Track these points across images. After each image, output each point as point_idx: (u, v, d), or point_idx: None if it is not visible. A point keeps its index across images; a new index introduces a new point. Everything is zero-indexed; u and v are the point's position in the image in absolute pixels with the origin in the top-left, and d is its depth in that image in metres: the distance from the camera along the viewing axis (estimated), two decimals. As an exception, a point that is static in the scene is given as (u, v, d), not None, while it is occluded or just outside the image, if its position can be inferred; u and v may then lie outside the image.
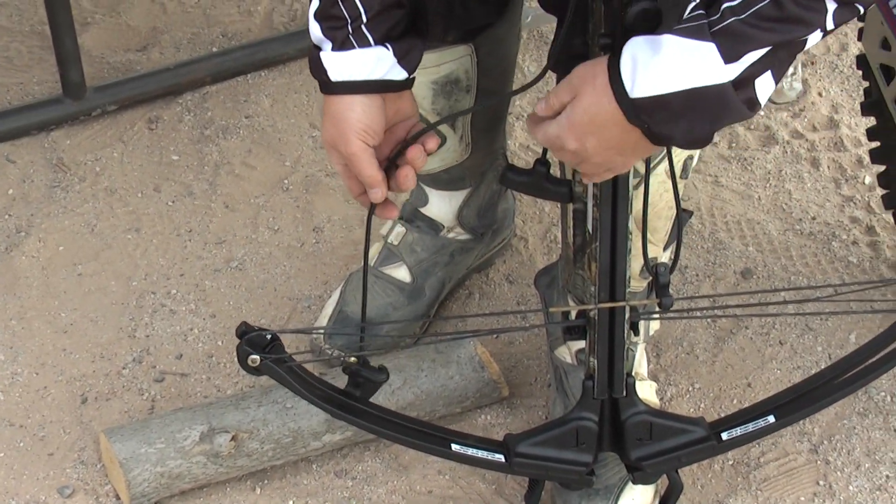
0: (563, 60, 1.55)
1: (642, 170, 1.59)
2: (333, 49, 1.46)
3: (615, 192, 1.52)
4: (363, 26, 1.46)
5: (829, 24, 1.31)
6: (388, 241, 1.99)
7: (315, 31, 1.47)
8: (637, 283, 1.76)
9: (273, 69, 2.41)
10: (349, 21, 1.46)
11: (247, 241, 2.15)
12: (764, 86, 1.33)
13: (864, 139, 2.21)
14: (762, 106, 1.34)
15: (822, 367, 1.97)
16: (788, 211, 2.21)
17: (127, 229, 2.16)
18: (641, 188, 1.59)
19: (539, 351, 2.00)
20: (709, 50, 1.29)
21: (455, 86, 1.79)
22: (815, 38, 1.32)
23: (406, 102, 1.52)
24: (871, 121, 2.05)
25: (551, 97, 1.41)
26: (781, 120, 2.35)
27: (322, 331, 1.94)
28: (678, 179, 1.68)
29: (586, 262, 1.61)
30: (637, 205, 1.59)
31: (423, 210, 1.97)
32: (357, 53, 1.46)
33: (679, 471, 1.73)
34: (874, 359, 1.68)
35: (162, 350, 2.00)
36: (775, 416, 1.68)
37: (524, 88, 1.48)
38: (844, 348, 2.00)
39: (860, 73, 2.03)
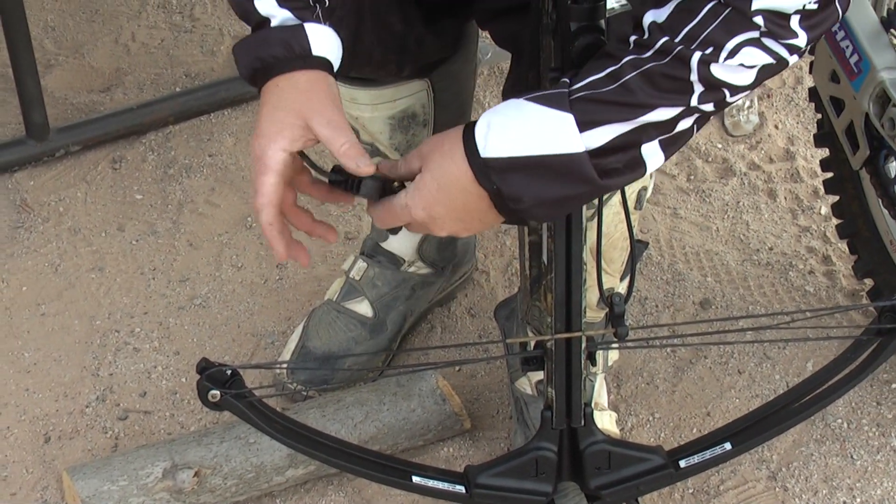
0: (516, 94, 1.58)
1: (596, 201, 1.61)
2: (308, 21, 1.34)
3: (569, 224, 1.54)
4: (322, 12, 1.38)
5: (700, 105, 1.30)
6: (350, 275, 2.00)
7: (281, 15, 1.34)
8: (594, 313, 1.78)
9: (236, 108, 2.43)
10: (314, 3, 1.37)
11: (210, 278, 2.16)
12: (651, 152, 1.32)
13: (819, 170, 2.24)
14: (648, 170, 1.33)
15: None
16: (746, 241, 2.24)
17: (90, 269, 2.17)
18: (596, 219, 1.62)
19: (501, 383, 2.01)
20: (565, 119, 1.29)
21: (412, 120, 1.82)
22: (685, 121, 1.31)
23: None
24: (825, 152, 2.08)
25: (399, 163, 1.36)
26: (738, 152, 2.39)
27: (285, 365, 1.95)
28: (633, 210, 1.71)
29: (542, 294, 1.63)
30: (592, 236, 1.62)
31: (383, 245, 1.99)
32: (331, 31, 1.36)
33: (639, 499, 1.75)
34: (828, 384, 1.71)
35: (125, 388, 2.00)
36: (732, 444, 1.69)
37: None
38: (802, 376, 2.03)
39: (813, 105, 2.06)
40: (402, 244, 1.98)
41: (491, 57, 2.48)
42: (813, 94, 2.02)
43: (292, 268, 2.18)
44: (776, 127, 2.44)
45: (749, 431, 1.69)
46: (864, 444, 1.95)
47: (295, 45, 1.34)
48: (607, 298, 1.58)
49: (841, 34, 1.85)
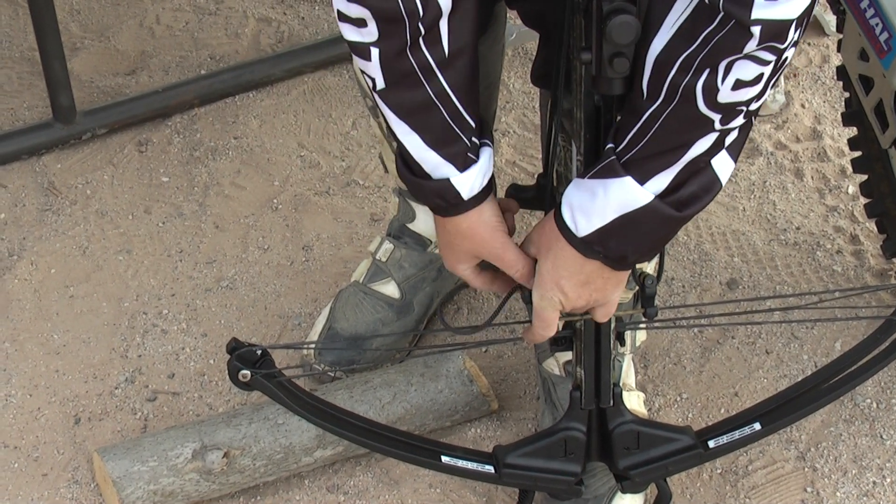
0: (545, 76, 1.58)
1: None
2: (459, 170, 1.48)
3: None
4: (474, 137, 1.49)
5: (728, 126, 1.39)
6: (377, 257, 2.01)
7: (431, 160, 1.47)
8: (622, 293, 1.78)
9: (261, 90, 2.43)
10: (463, 137, 1.47)
11: (237, 260, 2.17)
12: (719, 167, 1.44)
13: (846, 149, 2.23)
14: (723, 182, 1.45)
15: (808, 374, 1.98)
16: (773, 221, 2.23)
17: (118, 251, 2.18)
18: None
19: (527, 364, 2.01)
20: (625, 182, 1.42)
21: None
22: (730, 136, 1.42)
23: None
24: (853, 131, 2.07)
25: (509, 262, 1.54)
26: (765, 132, 2.38)
27: (312, 346, 1.96)
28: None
29: (571, 274, 1.63)
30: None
31: (410, 226, 1.99)
32: (478, 165, 1.49)
33: (668, 480, 1.75)
34: (858, 364, 1.70)
35: (154, 369, 2.01)
36: (761, 424, 1.69)
37: None
38: (830, 356, 2.02)
39: (841, 84, 2.05)
40: (428, 225, 1.98)
41: (516, 38, 2.47)
42: (841, 72, 2.00)
43: (318, 250, 2.18)
44: (803, 106, 2.42)
45: (778, 412, 1.69)
46: (893, 424, 1.94)
47: (449, 196, 1.50)
48: (639, 279, 1.58)
49: (871, 11, 1.84)
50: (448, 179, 1.48)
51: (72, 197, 2.26)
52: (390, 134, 1.49)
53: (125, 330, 2.06)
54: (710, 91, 1.34)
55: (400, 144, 1.47)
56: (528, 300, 1.57)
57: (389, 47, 1.39)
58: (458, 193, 1.49)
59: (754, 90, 1.35)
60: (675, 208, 1.43)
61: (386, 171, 1.98)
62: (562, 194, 1.49)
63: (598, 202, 1.44)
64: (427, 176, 1.49)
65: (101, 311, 2.09)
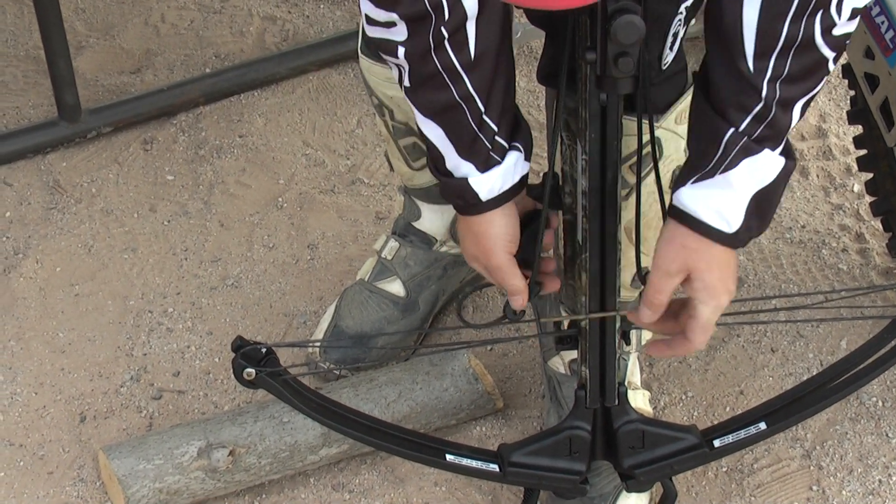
0: (551, 74, 1.58)
1: (632, 180, 1.61)
2: (479, 170, 1.49)
3: (603, 203, 1.54)
4: (497, 137, 1.49)
5: (836, 61, 1.44)
6: (382, 255, 2.01)
7: (453, 158, 1.49)
8: (628, 293, 1.78)
9: (266, 89, 2.43)
10: (484, 139, 1.48)
11: (242, 258, 2.17)
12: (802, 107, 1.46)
13: (852, 147, 2.23)
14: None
15: (814, 373, 1.98)
16: (778, 220, 2.23)
17: (123, 249, 2.18)
18: (631, 199, 1.62)
19: (533, 362, 2.01)
20: (759, 157, 1.43)
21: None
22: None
23: (527, 201, 1.57)
24: (858, 129, 2.07)
25: (649, 291, 1.51)
26: (770, 130, 2.37)
27: (317, 344, 1.96)
28: (668, 190, 1.71)
29: (577, 273, 1.63)
30: (626, 216, 1.61)
31: (415, 224, 1.99)
32: (501, 167, 1.50)
33: (673, 478, 1.75)
34: (864, 364, 1.70)
35: (159, 368, 2.01)
36: (767, 423, 1.69)
37: None
38: (836, 354, 2.02)
39: (846, 82, 2.05)
40: (434, 223, 1.98)
41: (521, 36, 2.47)
42: (846, 70, 2.00)
43: (323, 248, 2.18)
44: (808, 104, 2.42)
45: (784, 411, 1.69)
46: (898, 423, 1.95)
47: (467, 196, 1.51)
48: (645, 279, 1.58)
49: (876, 10, 1.84)
50: (466, 179, 1.49)
51: (77, 195, 2.26)
52: (417, 129, 1.51)
53: (130, 328, 2.06)
54: (828, 28, 1.36)
55: (426, 139, 1.50)
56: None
57: (416, 48, 1.40)
58: (476, 194, 1.50)
59: (854, 23, 1.39)
60: (792, 159, 1.44)
61: (391, 169, 1.98)
62: (568, 193, 1.49)
63: (736, 189, 1.43)
64: (449, 173, 1.50)
65: (106, 309, 2.09)
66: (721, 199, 1.44)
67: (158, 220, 2.22)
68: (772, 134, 1.42)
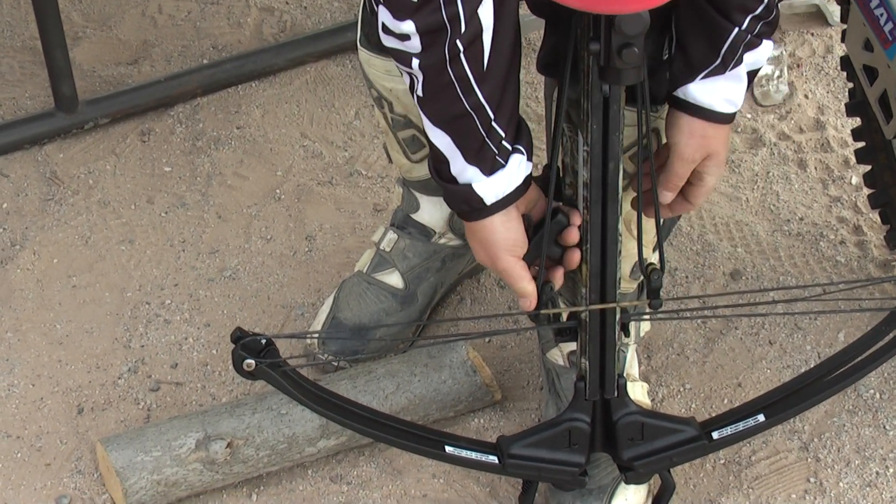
0: (550, 63, 1.58)
1: (632, 170, 1.61)
2: (485, 175, 1.50)
3: (605, 194, 1.54)
4: (504, 142, 1.50)
5: None
6: (380, 247, 2.00)
7: (459, 164, 1.50)
8: (627, 284, 1.78)
9: (263, 80, 2.43)
10: (491, 144, 1.49)
11: (240, 250, 2.16)
12: None
13: (850, 140, 2.23)
14: None
15: (812, 365, 1.99)
16: (776, 212, 2.23)
17: (120, 241, 2.18)
18: (631, 189, 1.62)
19: (531, 354, 2.01)
20: (762, 47, 1.55)
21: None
22: None
23: (533, 191, 1.57)
24: (857, 121, 2.07)
25: (673, 178, 1.59)
26: (768, 122, 2.37)
27: (316, 335, 1.96)
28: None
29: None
30: (626, 206, 1.61)
31: (414, 216, 1.99)
32: (505, 171, 1.51)
33: (671, 470, 1.75)
34: (862, 357, 1.70)
35: (157, 360, 2.01)
36: (765, 415, 1.69)
37: None
38: (833, 347, 2.02)
39: (845, 74, 2.05)
40: (432, 216, 1.98)
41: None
42: (845, 62, 2.00)
43: (321, 240, 2.18)
44: (806, 96, 2.42)
45: (782, 403, 1.69)
46: (896, 415, 1.95)
47: (473, 201, 1.53)
48: (647, 272, 1.58)
49: (875, 1, 1.84)
50: (471, 185, 1.51)
51: (74, 187, 2.25)
52: (424, 136, 1.52)
53: (128, 320, 2.06)
54: None
55: (431, 145, 1.50)
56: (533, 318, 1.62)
57: (431, 59, 1.42)
58: (481, 198, 1.51)
59: None
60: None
61: (390, 161, 1.98)
62: (569, 185, 1.48)
63: (742, 80, 1.55)
64: (453, 179, 1.51)
65: (103, 301, 2.09)
66: (731, 90, 1.56)
67: (156, 212, 2.22)
68: (770, 29, 1.53)
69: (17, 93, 2.41)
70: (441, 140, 1.49)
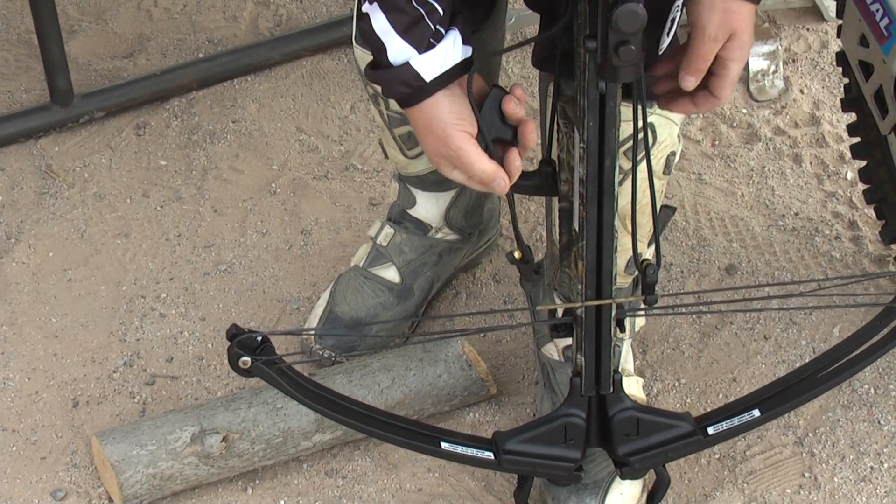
0: (546, 58, 1.58)
1: (627, 166, 1.61)
2: (420, 53, 1.46)
3: (601, 191, 1.54)
4: (439, 21, 1.46)
5: None
6: (377, 242, 2.00)
7: (395, 44, 1.46)
8: (622, 279, 1.78)
9: (259, 74, 2.43)
10: (425, 17, 1.45)
11: (235, 244, 2.16)
12: None
13: (845, 135, 2.23)
14: None
15: (807, 360, 1.99)
16: (771, 207, 2.23)
17: (116, 234, 2.17)
18: (626, 185, 1.62)
19: (526, 349, 2.02)
20: None
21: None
22: None
23: (481, 82, 1.52)
24: (852, 117, 2.07)
25: (696, 60, 1.50)
26: (764, 117, 2.38)
27: (311, 332, 1.96)
28: (662, 175, 1.71)
29: (573, 261, 1.63)
30: (622, 202, 1.61)
31: (410, 211, 1.99)
32: (440, 46, 1.46)
33: (666, 465, 1.75)
34: (857, 352, 1.71)
35: (152, 353, 2.01)
36: (760, 410, 1.70)
37: (515, 47, 1.51)
38: (828, 342, 2.02)
39: (840, 69, 2.05)
40: (429, 211, 1.98)
41: (514, 22, 2.47)
42: (841, 58, 2.00)
43: (316, 234, 2.18)
44: (801, 92, 2.42)
45: (778, 398, 1.69)
46: (891, 410, 1.95)
47: (410, 79, 1.46)
48: (642, 267, 1.58)
49: (871, -2, 1.84)
50: (409, 63, 1.46)
51: (70, 180, 2.25)
52: (359, 16, 1.49)
53: (123, 314, 2.06)
54: None
55: (369, 33, 1.46)
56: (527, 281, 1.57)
57: None
58: (420, 74, 1.46)
59: None
60: None
61: (386, 156, 1.98)
62: (564, 181, 1.48)
63: None
64: (391, 65, 1.47)
65: (99, 294, 2.09)
66: None
67: (151, 206, 2.22)
68: None
69: (13, 86, 2.41)
70: (377, 20, 1.45)
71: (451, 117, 1.48)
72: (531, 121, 1.51)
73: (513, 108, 1.50)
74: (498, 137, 1.50)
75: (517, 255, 1.62)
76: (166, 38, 2.49)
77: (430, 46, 1.46)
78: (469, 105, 1.49)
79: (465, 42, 1.50)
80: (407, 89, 1.48)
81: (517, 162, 1.52)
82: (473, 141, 1.49)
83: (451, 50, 1.48)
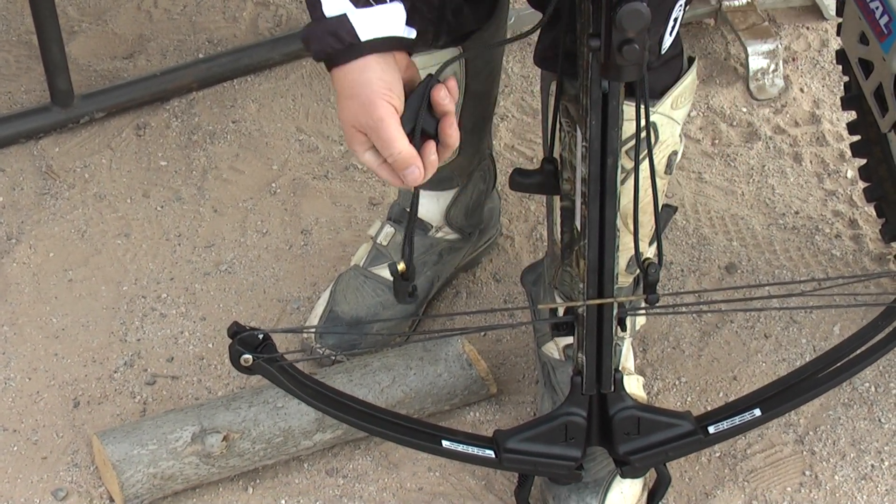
0: (548, 57, 1.58)
1: (629, 165, 1.61)
2: (357, 7, 1.38)
3: (603, 190, 1.54)
4: None
5: None
6: (377, 241, 2.00)
7: None
8: (624, 278, 1.78)
9: (259, 74, 2.43)
10: None
11: (235, 244, 2.16)
12: None
13: (845, 133, 2.24)
14: None
15: (807, 359, 1.99)
16: (772, 206, 2.23)
17: (116, 235, 2.17)
18: (628, 184, 1.62)
19: (526, 348, 2.02)
20: None
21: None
22: None
23: (413, 71, 1.45)
24: (852, 115, 2.07)
25: None
26: (764, 116, 2.38)
27: (313, 330, 1.96)
28: (663, 175, 1.71)
29: (574, 259, 1.63)
30: (623, 201, 1.62)
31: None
32: (379, 9, 1.39)
33: (667, 464, 1.75)
34: (858, 351, 1.71)
35: (153, 353, 2.01)
36: (761, 410, 1.70)
37: (519, 37, 1.46)
38: (829, 340, 2.03)
39: (840, 68, 2.05)
40: (429, 210, 1.98)
41: (514, 22, 2.47)
42: (841, 56, 2.00)
43: (316, 234, 2.18)
44: (801, 90, 2.42)
45: (779, 398, 1.69)
46: (892, 408, 1.95)
47: (343, 32, 1.38)
48: (644, 266, 1.58)
49: (871, -3, 1.84)
50: (345, 15, 1.37)
51: (70, 181, 2.25)
52: None
53: (124, 314, 2.06)
54: None
55: None
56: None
57: None
58: (354, 30, 1.38)
59: None
60: None
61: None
62: (566, 180, 1.48)
63: None
64: (324, 16, 1.39)
65: (99, 294, 2.09)
66: None
67: (152, 206, 2.22)
68: None
69: (13, 87, 2.41)
70: None
71: (380, 85, 1.38)
72: (455, 117, 1.42)
73: (442, 96, 1.40)
74: (422, 128, 1.40)
75: (400, 268, 1.51)
76: (166, 38, 2.49)
77: (368, 4, 1.38)
78: (401, 81, 1.39)
79: (410, 24, 1.42)
80: (338, 44, 1.38)
81: (433, 156, 1.42)
82: (397, 117, 1.39)
83: (390, 17, 1.39)
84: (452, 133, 1.41)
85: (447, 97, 1.40)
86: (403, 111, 1.40)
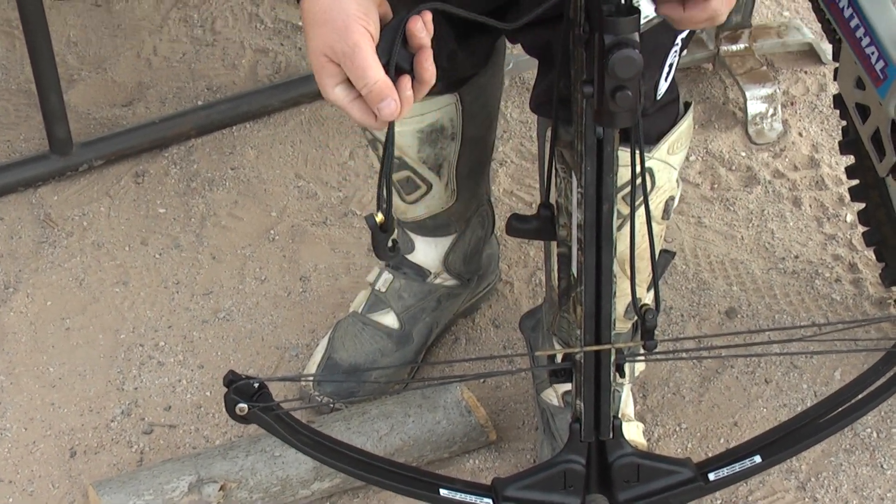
0: (544, 103, 1.58)
1: (625, 211, 1.61)
2: None
3: (599, 236, 1.53)
4: None
5: None
6: (376, 288, 2.00)
7: None
8: (622, 324, 1.77)
9: (258, 121, 2.43)
10: None
11: (234, 291, 2.16)
12: None
13: (844, 177, 2.23)
14: None
15: (808, 404, 1.98)
16: (771, 250, 2.23)
17: (114, 283, 2.17)
18: (625, 229, 1.61)
19: (526, 394, 2.01)
20: None
21: (440, 133, 1.81)
22: None
23: (386, 8, 1.36)
24: (850, 159, 2.07)
25: None
26: (763, 160, 2.38)
27: (310, 377, 1.95)
28: (661, 220, 1.71)
29: (571, 306, 1.62)
30: (620, 247, 1.61)
31: (409, 257, 1.99)
32: None
33: (668, 511, 1.74)
34: (859, 396, 1.69)
35: (150, 402, 2.00)
36: (762, 456, 1.68)
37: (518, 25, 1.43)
38: (830, 385, 2.01)
39: (838, 112, 2.05)
40: (427, 256, 1.98)
41: (512, 67, 2.47)
42: (838, 100, 2.00)
43: (315, 281, 2.17)
44: (800, 134, 2.42)
45: (779, 444, 1.68)
46: (894, 454, 1.94)
47: None
48: (641, 312, 1.57)
49: (866, 40, 1.84)
50: None
51: (68, 229, 2.25)
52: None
53: (121, 362, 2.05)
54: None
55: None
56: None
57: None
58: None
59: None
60: None
61: (383, 202, 1.97)
62: (563, 225, 1.47)
63: None
64: None
65: (97, 343, 2.08)
66: None
67: (150, 254, 2.21)
68: None
69: (12, 135, 2.41)
70: None
71: (356, 8, 1.29)
72: (430, 51, 1.33)
73: (418, 28, 1.32)
74: (397, 63, 1.31)
75: (378, 218, 1.40)
76: (165, 86, 2.50)
77: None
78: (377, 10, 1.31)
79: None
80: None
81: (409, 91, 1.33)
82: (373, 44, 1.30)
83: None
84: (429, 67, 1.33)
85: (423, 30, 1.33)
86: (378, 42, 1.31)
